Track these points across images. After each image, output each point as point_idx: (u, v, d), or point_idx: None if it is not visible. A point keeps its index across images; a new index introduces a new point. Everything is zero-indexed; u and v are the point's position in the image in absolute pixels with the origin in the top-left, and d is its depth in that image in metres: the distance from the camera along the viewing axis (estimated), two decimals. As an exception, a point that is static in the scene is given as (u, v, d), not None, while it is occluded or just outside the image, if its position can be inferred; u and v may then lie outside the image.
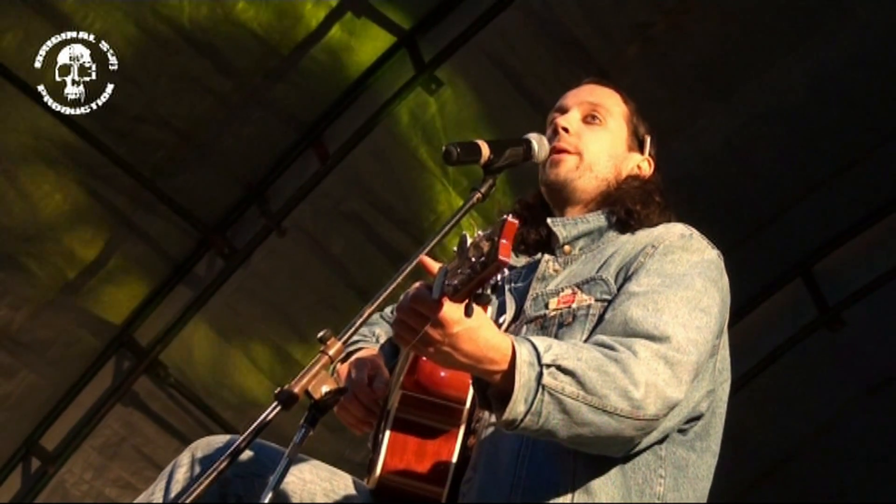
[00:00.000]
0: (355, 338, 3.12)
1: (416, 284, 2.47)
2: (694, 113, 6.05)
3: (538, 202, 3.11)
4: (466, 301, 2.33)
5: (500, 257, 2.23)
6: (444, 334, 2.43)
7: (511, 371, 2.47)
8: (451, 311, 2.40)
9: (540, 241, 3.05)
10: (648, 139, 3.11)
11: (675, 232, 2.86)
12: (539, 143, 2.89)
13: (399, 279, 2.66)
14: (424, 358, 2.60)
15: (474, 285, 2.29)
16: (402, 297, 2.51)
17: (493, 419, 2.72)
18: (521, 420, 2.49)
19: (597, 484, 2.67)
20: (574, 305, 2.80)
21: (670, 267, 2.76)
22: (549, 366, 2.48)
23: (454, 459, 2.75)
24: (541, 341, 2.53)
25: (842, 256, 6.66)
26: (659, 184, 3.07)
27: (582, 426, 2.52)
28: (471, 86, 6.21)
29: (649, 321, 2.63)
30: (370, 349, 3.12)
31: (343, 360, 3.05)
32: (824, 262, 6.71)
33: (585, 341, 2.71)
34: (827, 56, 5.89)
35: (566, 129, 3.05)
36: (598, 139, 3.05)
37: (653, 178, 3.08)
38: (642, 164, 3.09)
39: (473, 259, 2.28)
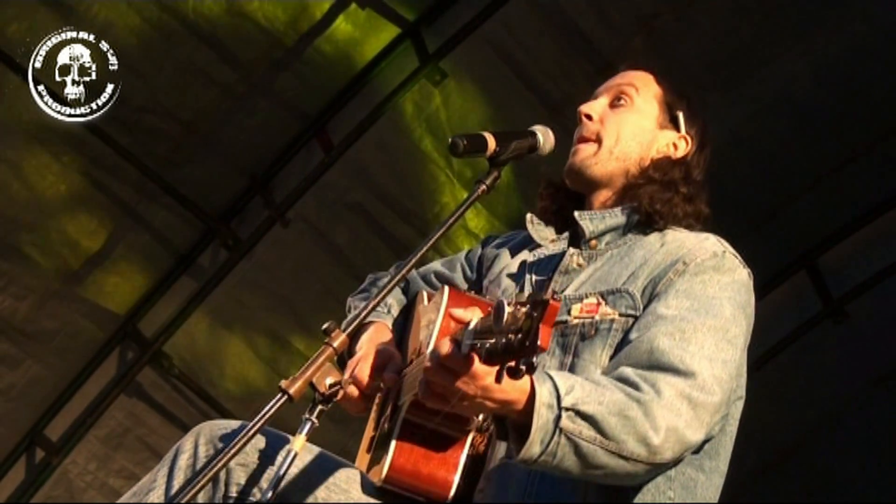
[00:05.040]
0: None
1: (442, 341, 2.42)
2: (699, 105, 6.02)
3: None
4: (498, 369, 2.28)
5: (539, 345, 2.18)
6: (477, 387, 2.39)
7: (529, 409, 2.44)
8: (482, 367, 2.36)
9: (568, 221, 3.00)
10: (682, 116, 3.04)
11: (707, 248, 2.79)
12: (544, 136, 2.87)
13: (405, 271, 2.66)
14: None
15: (509, 359, 2.24)
16: (429, 352, 2.46)
17: (501, 456, 2.71)
18: (536, 459, 2.47)
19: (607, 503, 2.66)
20: (597, 317, 2.75)
21: (700, 288, 2.71)
22: (568, 409, 2.45)
23: (461, 464, 2.73)
24: (563, 381, 2.49)
25: (846, 249, 6.65)
26: (693, 164, 2.99)
27: (596, 468, 2.50)
28: (475, 77, 6.20)
29: (675, 353, 2.58)
30: (381, 325, 3.09)
31: (356, 333, 2.99)
32: (829, 254, 6.70)
33: (609, 361, 2.68)
34: (833, 48, 5.87)
35: (589, 117, 3.01)
36: (621, 120, 2.99)
37: (686, 158, 3.00)
38: (678, 142, 3.02)
39: (510, 333, 2.21)
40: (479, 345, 2.29)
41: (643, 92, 3.05)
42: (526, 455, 2.46)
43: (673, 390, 2.54)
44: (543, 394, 2.44)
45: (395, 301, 3.19)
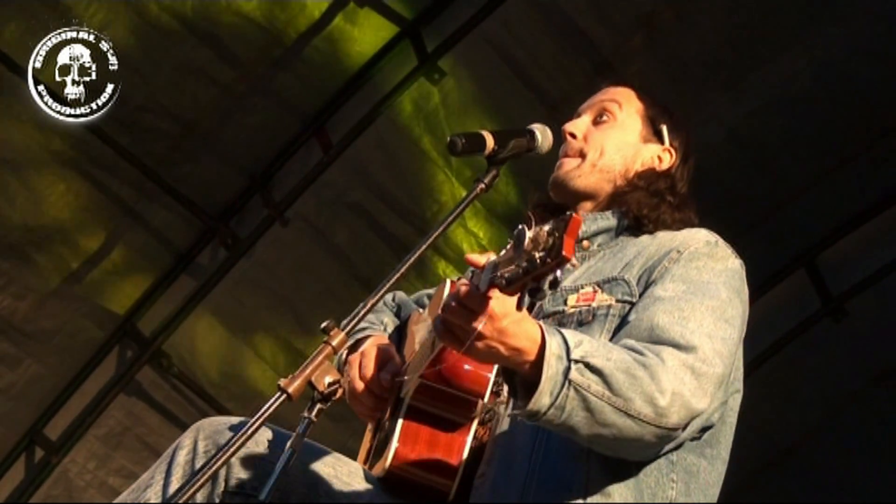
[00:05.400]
0: (363, 324, 3.12)
1: (460, 282, 2.43)
2: (698, 103, 6.03)
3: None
4: (519, 294, 2.27)
5: (564, 253, 2.16)
6: (493, 329, 2.40)
7: (539, 361, 2.45)
8: (501, 304, 2.37)
9: None
10: (665, 129, 3.08)
11: (700, 238, 2.85)
12: (543, 134, 2.88)
13: (402, 269, 2.66)
14: (453, 351, 2.53)
15: (531, 279, 2.21)
16: (446, 296, 2.48)
17: (510, 412, 2.71)
18: (545, 412, 2.47)
19: (610, 485, 2.66)
20: (594, 304, 2.78)
21: (695, 273, 2.75)
22: (577, 361, 2.47)
23: (465, 453, 2.74)
24: (572, 335, 2.51)
25: (846, 247, 6.65)
26: (678, 176, 3.04)
27: (603, 426, 2.51)
28: (474, 76, 6.20)
29: (675, 329, 2.61)
30: (380, 336, 3.11)
31: (352, 348, 3.04)
32: (828, 252, 6.70)
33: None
34: (832, 46, 5.87)
35: (573, 135, 3.05)
36: (604, 136, 3.04)
37: (671, 170, 3.05)
38: (662, 154, 3.06)
39: (534, 253, 2.20)
40: (498, 276, 2.27)
41: (626, 107, 3.09)
42: (535, 406, 2.46)
43: (676, 360, 2.56)
44: (553, 345, 2.46)
45: (389, 321, 3.23)
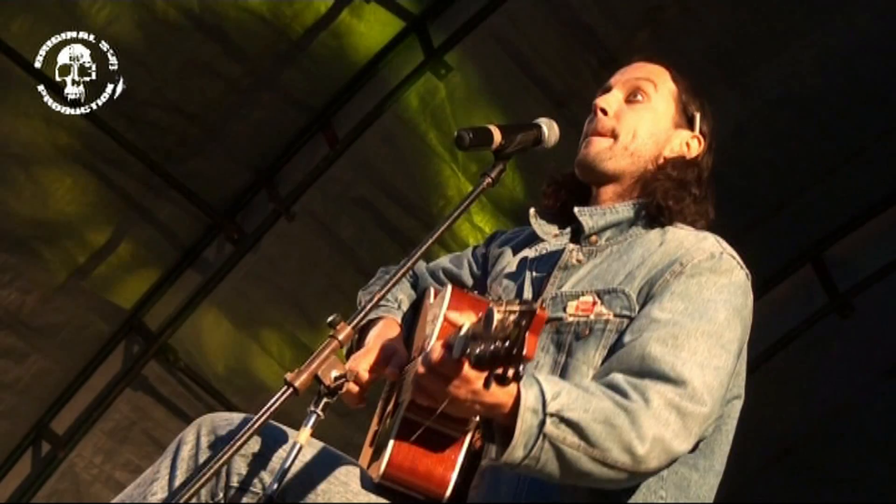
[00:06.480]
0: None
1: (434, 344, 2.46)
2: (704, 98, 6.02)
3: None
4: (486, 375, 2.32)
5: (525, 354, 2.22)
6: (468, 391, 2.42)
7: (516, 412, 2.45)
8: (472, 372, 2.38)
9: (572, 216, 2.98)
10: (698, 116, 3.02)
11: (705, 249, 2.78)
12: (549, 128, 2.86)
13: (409, 264, 2.66)
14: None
15: (497, 366, 2.27)
16: (420, 359, 2.49)
17: (487, 460, 2.71)
18: (519, 463, 2.48)
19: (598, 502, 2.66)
20: (592, 317, 2.74)
21: (696, 290, 2.70)
22: (552, 415, 2.46)
23: (458, 464, 2.73)
24: (550, 386, 2.49)
25: (852, 242, 6.64)
26: (704, 166, 2.99)
27: (579, 475, 2.51)
28: (480, 71, 6.19)
29: (667, 360, 2.57)
30: (391, 321, 3.11)
31: (366, 328, 3.04)
32: (835, 247, 6.68)
33: (601, 362, 2.69)
34: (839, 41, 5.86)
35: (604, 111, 2.98)
36: (638, 117, 2.97)
37: (698, 158, 2.99)
38: (691, 141, 3.00)
39: (498, 341, 2.25)
40: (469, 350, 2.30)
41: (660, 89, 3.02)
42: (509, 458, 2.47)
43: (661, 399, 2.54)
44: (529, 398, 2.45)
45: (405, 296, 3.20)
